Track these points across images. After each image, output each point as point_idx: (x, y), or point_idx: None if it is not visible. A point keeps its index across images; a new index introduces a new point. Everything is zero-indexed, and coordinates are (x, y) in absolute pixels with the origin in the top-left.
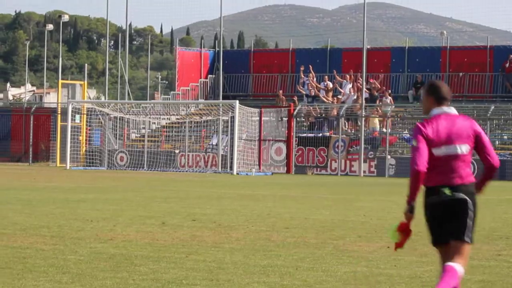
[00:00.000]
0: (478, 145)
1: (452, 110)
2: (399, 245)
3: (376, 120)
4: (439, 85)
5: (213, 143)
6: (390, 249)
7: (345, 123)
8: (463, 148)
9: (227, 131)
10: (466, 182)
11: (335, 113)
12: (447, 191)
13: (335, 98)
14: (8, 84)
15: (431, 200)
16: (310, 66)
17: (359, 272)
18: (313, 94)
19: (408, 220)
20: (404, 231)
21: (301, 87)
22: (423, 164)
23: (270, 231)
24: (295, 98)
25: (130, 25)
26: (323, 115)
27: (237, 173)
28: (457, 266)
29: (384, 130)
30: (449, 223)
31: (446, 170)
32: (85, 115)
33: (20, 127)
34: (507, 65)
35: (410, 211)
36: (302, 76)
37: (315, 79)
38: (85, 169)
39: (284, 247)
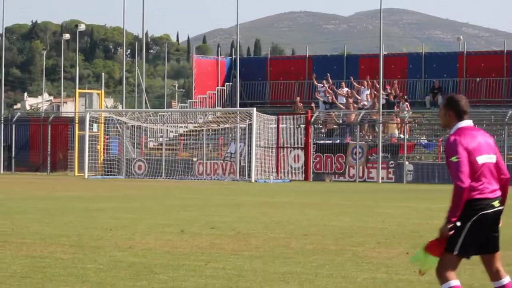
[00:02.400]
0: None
1: (472, 124)
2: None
3: (394, 126)
4: (458, 99)
5: (231, 151)
6: (409, 255)
7: (363, 129)
8: (495, 158)
9: (244, 138)
10: (500, 195)
11: (353, 119)
12: (496, 204)
13: (353, 105)
14: (26, 94)
15: (487, 213)
16: (328, 75)
17: (378, 278)
18: (330, 100)
19: (446, 239)
20: (439, 251)
21: (319, 95)
22: (468, 180)
23: (289, 238)
24: (313, 105)
25: (146, 33)
26: (341, 121)
27: (255, 181)
28: (509, 279)
29: (402, 136)
30: (494, 235)
31: (491, 179)
32: (102, 124)
33: (38, 136)
34: None
35: (451, 229)
36: (316, 83)
37: (333, 86)
38: (103, 178)
39: (303, 254)
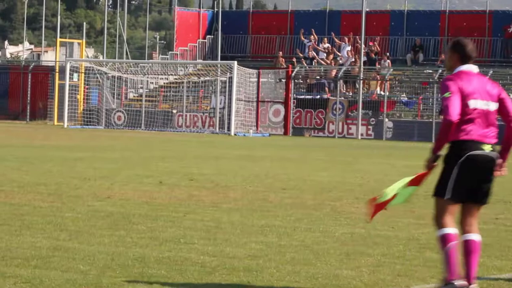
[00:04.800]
0: (501, 109)
1: (477, 70)
2: (383, 204)
3: (375, 83)
4: (465, 43)
5: (214, 106)
6: (387, 211)
7: (343, 85)
8: (494, 106)
9: (225, 92)
10: (494, 142)
11: (334, 75)
12: (486, 148)
13: (333, 61)
14: (6, 42)
15: (474, 154)
16: (313, 30)
17: (356, 233)
18: (311, 56)
19: (430, 171)
20: (419, 183)
21: (308, 50)
22: (456, 115)
23: (267, 191)
24: (294, 60)
25: None
26: (322, 77)
27: (235, 134)
28: (478, 237)
29: (382, 93)
30: (483, 183)
31: (482, 125)
32: (83, 74)
33: (18, 85)
34: (510, 29)
35: (435, 160)
36: (303, 39)
37: (316, 41)
38: (82, 128)
39: (282, 208)
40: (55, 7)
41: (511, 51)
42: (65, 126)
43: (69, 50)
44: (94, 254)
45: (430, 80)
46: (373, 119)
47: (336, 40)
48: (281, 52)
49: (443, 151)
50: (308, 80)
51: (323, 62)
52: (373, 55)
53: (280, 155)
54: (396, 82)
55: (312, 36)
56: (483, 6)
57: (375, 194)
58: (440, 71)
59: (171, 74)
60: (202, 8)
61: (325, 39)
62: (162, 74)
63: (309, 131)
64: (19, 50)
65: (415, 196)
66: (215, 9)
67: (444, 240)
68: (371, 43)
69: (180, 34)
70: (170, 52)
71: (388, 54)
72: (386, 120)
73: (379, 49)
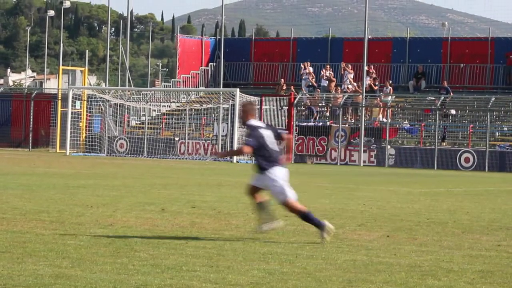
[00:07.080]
0: None
1: None
2: None
3: (377, 110)
4: None
5: (217, 134)
6: (389, 238)
7: (345, 112)
8: None
9: (227, 119)
10: None
11: (336, 102)
12: None
13: (336, 88)
14: (9, 70)
15: None
16: (302, 65)
17: (358, 260)
18: (315, 84)
19: None
20: None
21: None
22: None
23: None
24: (292, 88)
25: (131, 12)
26: (324, 104)
27: (237, 161)
28: None
29: (385, 120)
30: None
31: None
32: (85, 102)
33: (20, 112)
34: None
35: None
36: (302, 72)
37: (314, 73)
38: (85, 155)
39: (284, 235)
40: (57, 35)
41: None
42: (67, 153)
43: (71, 78)
44: (96, 282)
45: (433, 107)
46: (375, 146)
47: (345, 67)
48: (282, 80)
49: None
50: (310, 108)
51: (327, 89)
52: (375, 82)
53: None
54: (399, 109)
55: (309, 66)
56: (485, 33)
57: (377, 221)
58: (442, 98)
59: (174, 102)
60: (205, 35)
61: (328, 66)
62: (164, 102)
63: (312, 158)
64: (21, 78)
65: (418, 223)
66: (218, 37)
67: None
68: (370, 70)
69: (182, 61)
70: (172, 79)
71: (390, 81)
72: (389, 147)
73: (372, 70)
